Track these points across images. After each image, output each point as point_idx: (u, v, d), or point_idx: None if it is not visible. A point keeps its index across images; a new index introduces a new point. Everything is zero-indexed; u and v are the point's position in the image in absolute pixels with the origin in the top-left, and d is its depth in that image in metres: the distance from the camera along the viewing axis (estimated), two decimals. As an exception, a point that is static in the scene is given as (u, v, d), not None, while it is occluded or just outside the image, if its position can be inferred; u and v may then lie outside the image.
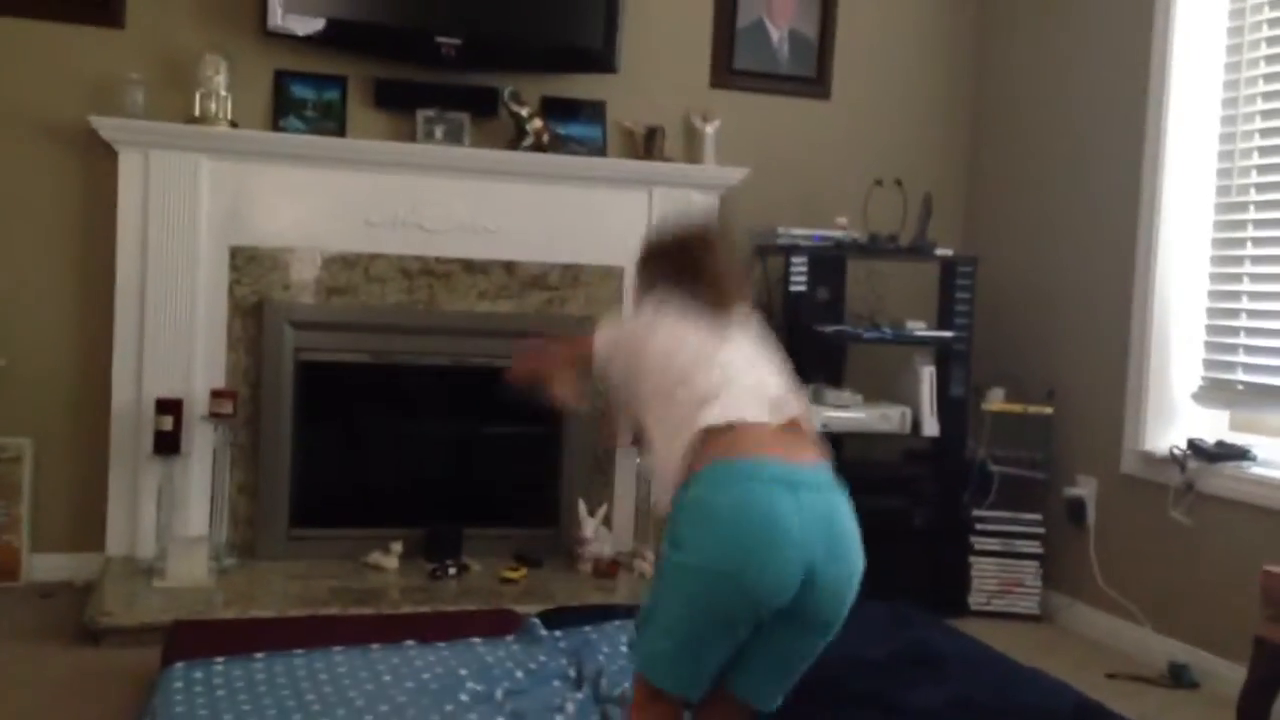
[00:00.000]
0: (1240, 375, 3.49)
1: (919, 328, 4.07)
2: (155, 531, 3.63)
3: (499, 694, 2.52)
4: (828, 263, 4.12)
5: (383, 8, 3.91)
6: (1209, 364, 3.61)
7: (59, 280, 3.77)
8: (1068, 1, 4.14)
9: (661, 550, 1.92)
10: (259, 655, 2.66)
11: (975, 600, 3.98)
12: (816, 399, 3.83)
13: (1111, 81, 3.90)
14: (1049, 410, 3.99)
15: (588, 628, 2.90)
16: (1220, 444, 3.43)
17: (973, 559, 3.99)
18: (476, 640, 2.84)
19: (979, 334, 4.09)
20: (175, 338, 3.73)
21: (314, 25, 3.81)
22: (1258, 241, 3.48)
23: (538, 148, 3.97)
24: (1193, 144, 3.63)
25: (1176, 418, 3.65)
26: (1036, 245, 4.24)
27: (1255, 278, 3.48)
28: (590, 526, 3.91)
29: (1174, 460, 3.49)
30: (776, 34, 4.40)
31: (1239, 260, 3.54)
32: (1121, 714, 2.63)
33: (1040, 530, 3.96)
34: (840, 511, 1.85)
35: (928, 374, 4.01)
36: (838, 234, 4.07)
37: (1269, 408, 3.41)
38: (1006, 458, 4.00)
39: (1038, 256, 4.23)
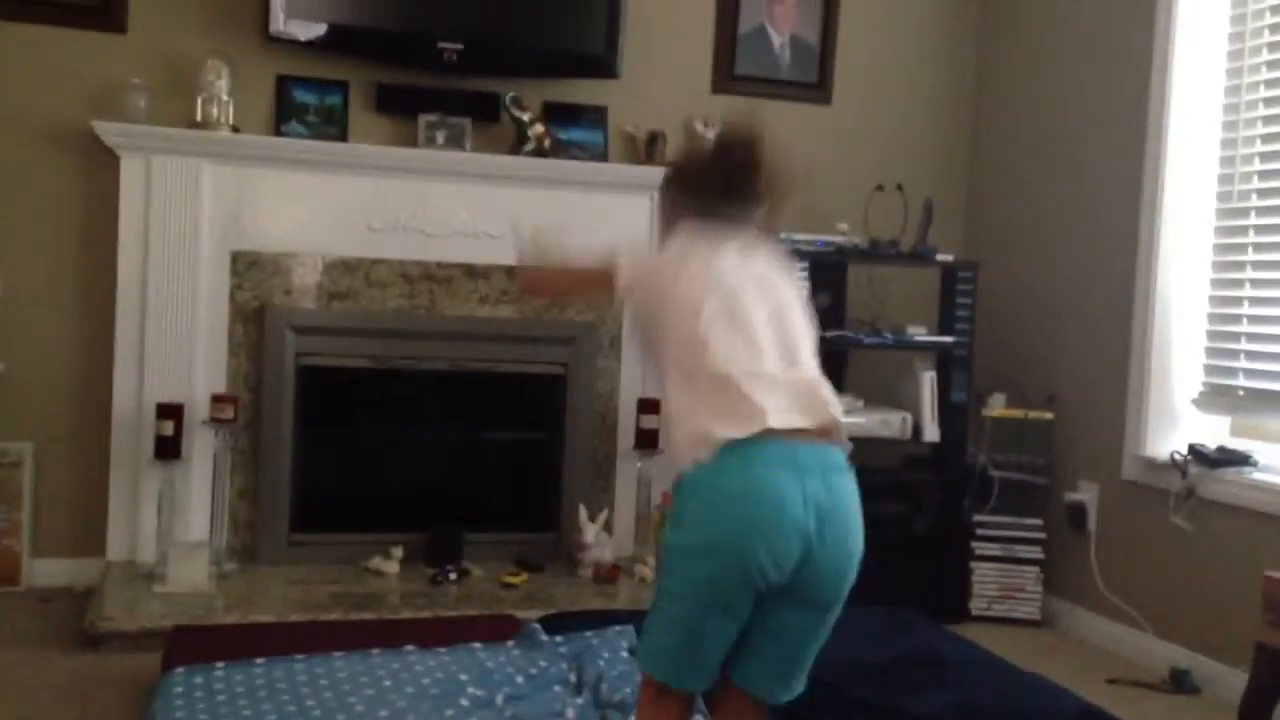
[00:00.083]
0: (1241, 381, 3.49)
1: (920, 333, 4.08)
2: (156, 536, 3.63)
3: (499, 699, 2.52)
4: (829, 268, 4.12)
5: (384, 13, 3.91)
6: (1210, 369, 3.61)
7: (60, 285, 3.77)
8: (1068, 9, 4.15)
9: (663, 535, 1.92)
10: (259, 660, 2.66)
11: (976, 605, 3.98)
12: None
13: (1112, 87, 3.90)
14: (1050, 415, 3.99)
15: (588, 633, 2.90)
16: (1221, 449, 3.43)
17: (973, 564, 3.98)
18: (477, 645, 2.85)
19: (980, 339, 4.09)
20: (176, 343, 3.73)
21: (316, 30, 3.81)
22: (1259, 247, 3.48)
23: (539, 153, 3.97)
24: (1194, 149, 3.63)
25: (1177, 423, 3.65)
26: (1037, 251, 4.24)
27: (1256, 283, 3.48)
28: (591, 531, 3.90)
29: (1175, 466, 3.48)
30: (778, 39, 4.41)
31: (1240, 265, 3.54)
32: (1123, 719, 2.63)
33: (1041, 535, 3.96)
34: (842, 491, 1.84)
35: (928, 379, 4.01)
36: (839, 239, 4.07)
37: (1270, 413, 3.40)
38: (1007, 463, 4.00)
39: (1039, 262, 4.23)
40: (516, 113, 3.97)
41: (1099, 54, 3.98)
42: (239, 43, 3.82)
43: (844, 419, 1.91)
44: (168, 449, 3.63)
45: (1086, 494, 3.90)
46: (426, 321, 3.97)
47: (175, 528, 3.67)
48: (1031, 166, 4.32)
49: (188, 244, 3.73)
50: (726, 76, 4.35)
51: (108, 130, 3.63)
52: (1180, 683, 3.36)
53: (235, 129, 3.78)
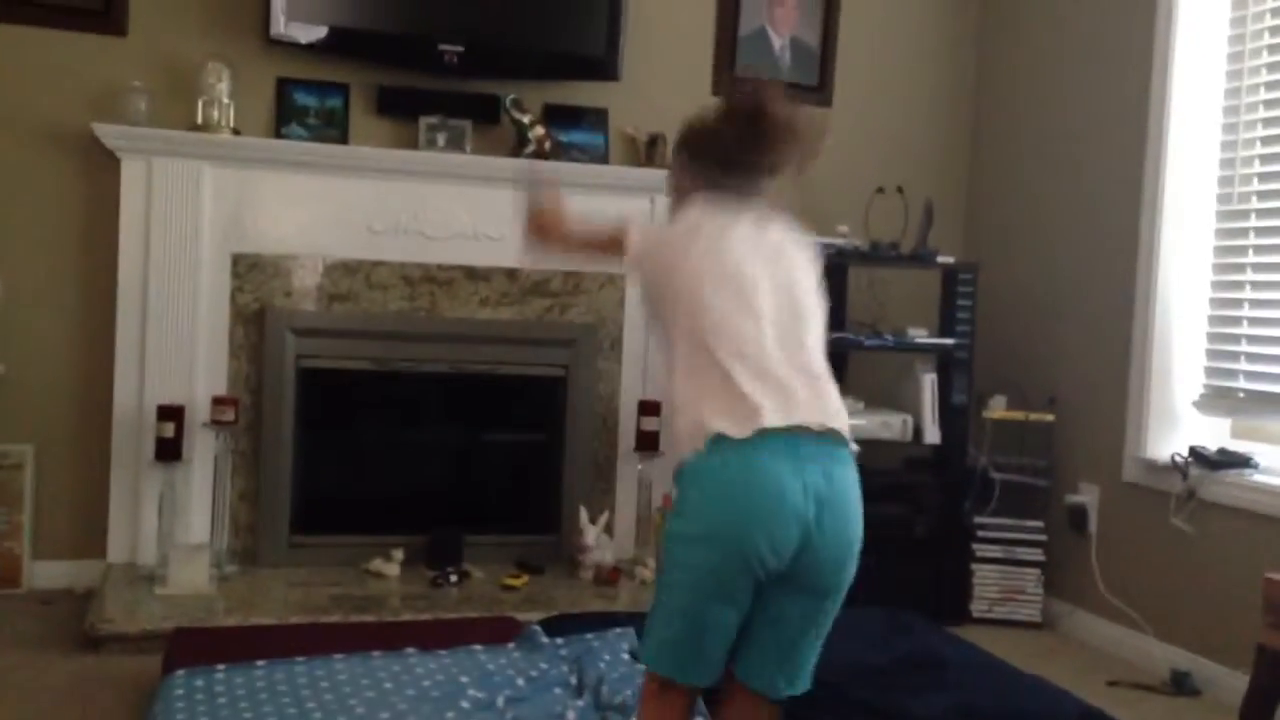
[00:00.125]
0: (1242, 383, 3.49)
1: (920, 335, 4.08)
2: (156, 538, 3.63)
3: (500, 701, 2.52)
4: (829, 270, 4.02)
5: (385, 15, 3.91)
6: (1210, 371, 3.61)
7: (61, 287, 3.77)
8: (1068, 10, 4.15)
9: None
10: (260, 663, 2.66)
11: (977, 608, 3.97)
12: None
13: (1112, 88, 3.91)
14: (1050, 417, 3.99)
15: (589, 635, 2.90)
16: (1222, 451, 3.43)
17: (974, 566, 3.98)
18: (478, 647, 2.85)
19: (980, 341, 4.09)
20: (177, 345, 3.73)
21: (316, 33, 3.81)
22: (1259, 249, 3.48)
23: (540, 155, 3.97)
24: (1194, 149, 3.64)
25: (1178, 425, 3.65)
26: (1038, 252, 4.24)
27: (1257, 285, 3.48)
28: (592, 534, 3.90)
29: (1176, 468, 3.48)
30: (778, 41, 4.41)
31: (1240, 268, 3.54)
32: (1123, 722, 2.64)
33: (1042, 538, 3.96)
34: (842, 480, 1.84)
35: (929, 381, 4.01)
36: (839, 242, 4.07)
37: (1271, 415, 3.40)
38: (1008, 465, 4.00)
39: (1039, 264, 4.23)
40: (517, 115, 3.97)
41: (1099, 55, 3.98)
42: (239, 45, 3.83)
43: (848, 423, 1.90)
44: (168, 451, 3.63)
45: (1087, 496, 3.90)
46: (427, 324, 3.97)
47: (176, 530, 3.67)
48: (1032, 168, 4.32)
49: (188, 246, 3.73)
50: (727, 78, 4.35)
51: (108, 133, 3.64)
52: (1181, 685, 3.36)
53: (236, 131, 3.78)
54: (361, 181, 3.87)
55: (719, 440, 1.80)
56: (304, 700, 2.48)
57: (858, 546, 1.87)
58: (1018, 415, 4.02)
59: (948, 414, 4.01)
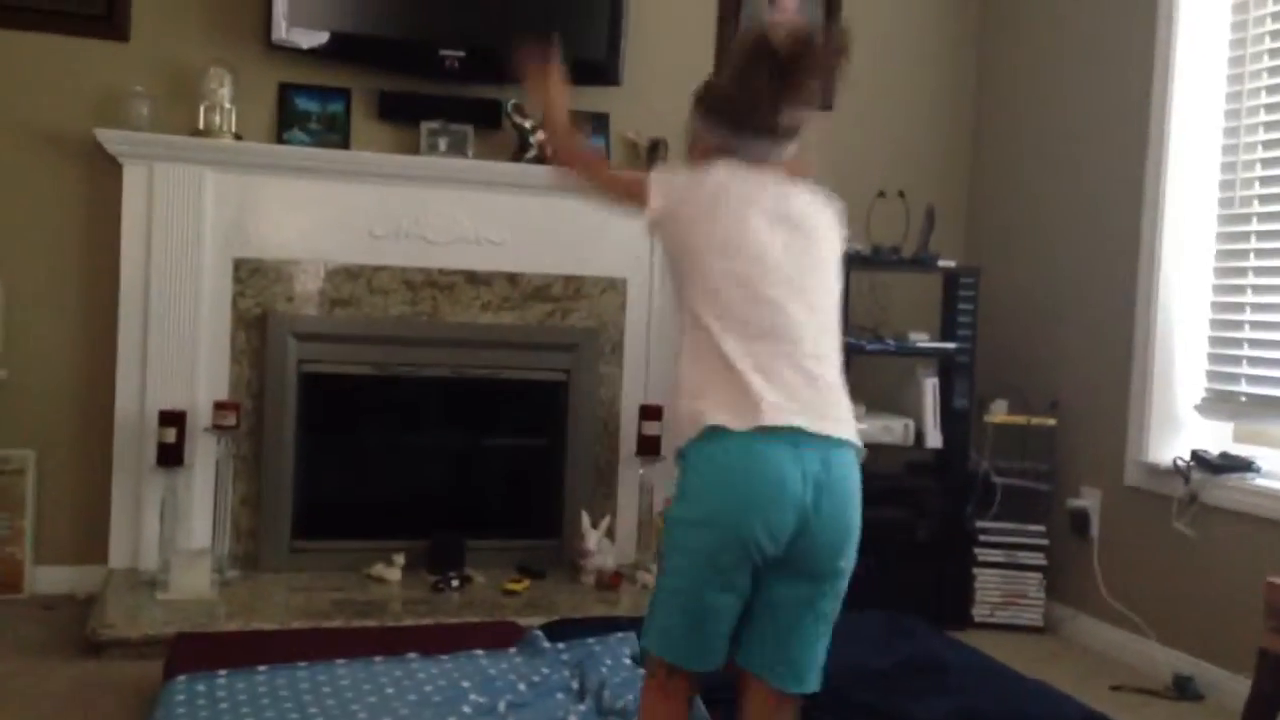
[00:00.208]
0: (1244, 387, 3.48)
1: (922, 339, 4.08)
2: (158, 543, 3.63)
3: (502, 706, 2.52)
4: None
5: (386, 21, 3.92)
6: (1212, 375, 3.61)
7: (63, 292, 3.78)
8: (1069, 14, 4.15)
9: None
10: (262, 668, 2.66)
11: (979, 612, 3.97)
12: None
13: (1113, 91, 3.91)
14: (1052, 422, 3.98)
15: (591, 640, 2.89)
16: (1224, 455, 3.43)
17: (976, 571, 3.98)
18: (479, 652, 2.84)
19: (982, 345, 4.09)
20: (178, 350, 3.73)
21: (318, 38, 3.82)
22: (1260, 253, 3.47)
23: (541, 160, 3.97)
24: (1195, 153, 3.63)
25: (1180, 429, 3.65)
26: (1039, 256, 4.24)
27: (1258, 289, 3.47)
28: (593, 538, 3.90)
29: (1178, 472, 3.48)
30: (779, 46, 4.41)
31: (1242, 271, 3.53)
32: (1126, 726, 2.63)
33: (1044, 542, 3.95)
34: (841, 468, 1.83)
35: (931, 386, 4.01)
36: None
37: (1273, 419, 3.40)
38: (1010, 469, 4.00)
39: (1040, 268, 4.23)
40: (518, 119, 3.98)
41: (1100, 57, 3.98)
42: (241, 51, 3.83)
43: (854, 427, 1.89)
44: (170, 456, 3.63)
45: (1089, 500, 3.90)
46: (428, 328, 3.97)
47: (177, 535, 3.67)
48: (1032, 171, 4.32)
49: (190, 251, 3.73)
50: (728, 83, 4.35)
51: (111, 138, 3.64)
52: (1183, 689, 3.36)
53: (238, 137, 3.78)
54: (363, 186, 3.88)
55: (717, 429, 1.80)
56: (306, 705, 2.47)
57: (856, 533, 1.86)
58: (1019, 419, 4.01)
59: (949, 418, 4.01)
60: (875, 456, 3.98)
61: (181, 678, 2.59)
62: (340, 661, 2.72)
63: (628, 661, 2.75)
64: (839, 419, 1.86)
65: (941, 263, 4.09)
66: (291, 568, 3.82)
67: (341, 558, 3.88)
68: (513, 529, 4.14)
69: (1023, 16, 4.43)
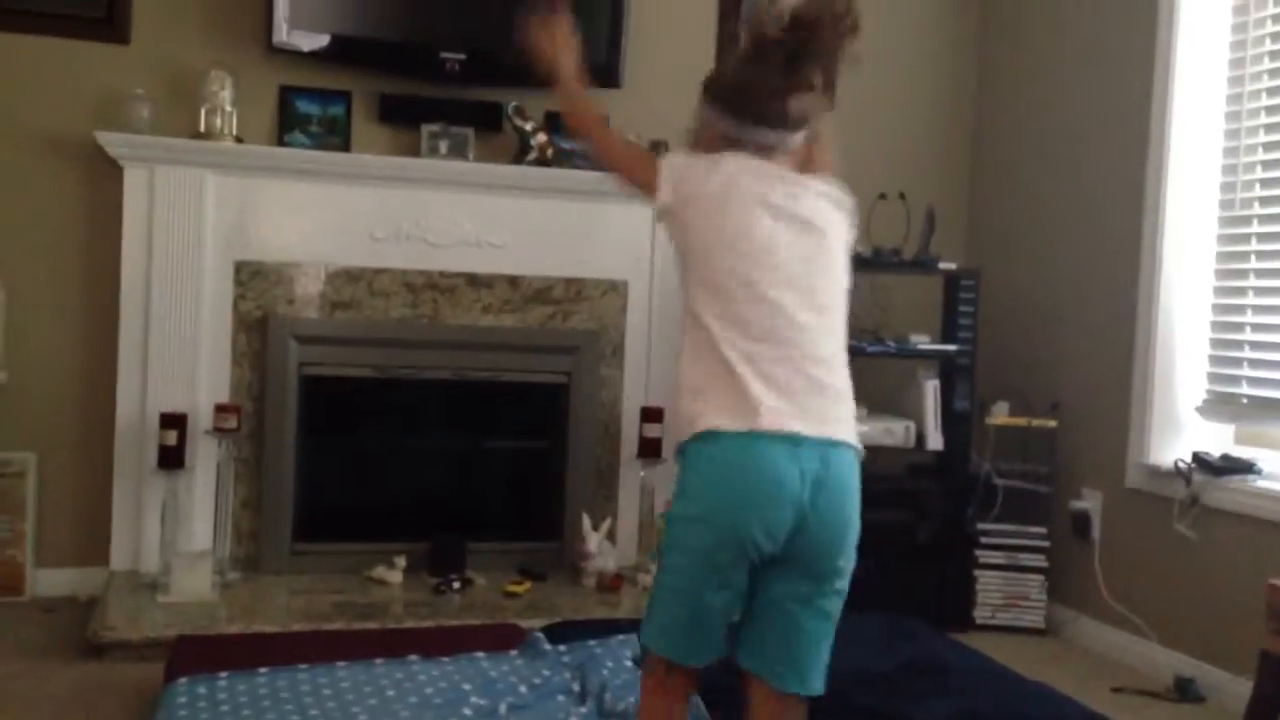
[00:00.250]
0: (1245, 388, 3.48)
1: (923, 341, 4.07)
2: (159, 546, 3.63)
3: (503, 708, 2.52)
4: None
5: (387, 23, 3.92)
6: (1213, 377, 3.61)
7: (63, 295, 3.78)
8: (1070, 16, 4.15)
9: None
10: (263, 670, 2.66)
11: (980, 614, 3.97)
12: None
13: (1114, 92, 3.91)
14: (1053, 424, 3.98)
15: (592, 642, 2.89)
16: (1225, 457, 3.43)
17: (977, 573, 3.97)
18: (480, 655, 2.84)
19: (983, 347, 4.09)
20: (179, 352, 3.73)
21: (319, 41, 3.82)
22: (1261, 255, 3.47)
23: (542, 162, 3.98)
24: (1196, 155, 3.63)
25: (1181, 431, 3.64)
26: (1040, 258, 4.24)
27: (1260, 291, 3.47)
28: (594, 541, 3.90)
29: (1179, 474, 3.48)
30: (779, 48, 4.41)
31: (1243, 273, 3.53)
32: (1127, 728, 2.63)
33: (1045, 544, 3.95)
34: (840, 466, 1.83)
35: (931, 388, 4.01)
36: (841, 248, 4.07)
37: (1274, 421, 3.40)
38: (1011, 471, 4.00)
39: (1041, 270, 4.23)
40: (519, 122, 3.98)
41: (1100, 58, 3.98)
42: (242, 53, 3.84)
43: (855, 430, 1.89)
44: (171, 458, 3.63)
45: (1090, 502, 3.90)
46: (429, 331, 3.97)
47: (178, 537, 3.67)
48: (1034, 174, 4.32)
49: (191, 254, 3.74)
50: (728, 85, 4.35)
51: (111, 141, 3.64)
52: (1185, 691, 3.36)
53: (238, 139, 3.79)
54: (364, 189, 3.88)
55: (715, 431, 1.81)
56: (307, 708, 2.47)
57: (854, 531, 1.86)
58: (1020, 421, 4.01)
59: (950, 420, 4.01)
60: (876, 459, 4.00)
61: (182, 680, 2.59)
62: (341, 664, 2.72)
63: (629, 664, 2.75)
64: (839, 420, 1.86)
65: (942, 265, 4.09)
66: (292, 570, 3.82)
67: (342, 560, 3.88)
68: (514, 531, 4.14)
69: (1023, 18, 4.44)
